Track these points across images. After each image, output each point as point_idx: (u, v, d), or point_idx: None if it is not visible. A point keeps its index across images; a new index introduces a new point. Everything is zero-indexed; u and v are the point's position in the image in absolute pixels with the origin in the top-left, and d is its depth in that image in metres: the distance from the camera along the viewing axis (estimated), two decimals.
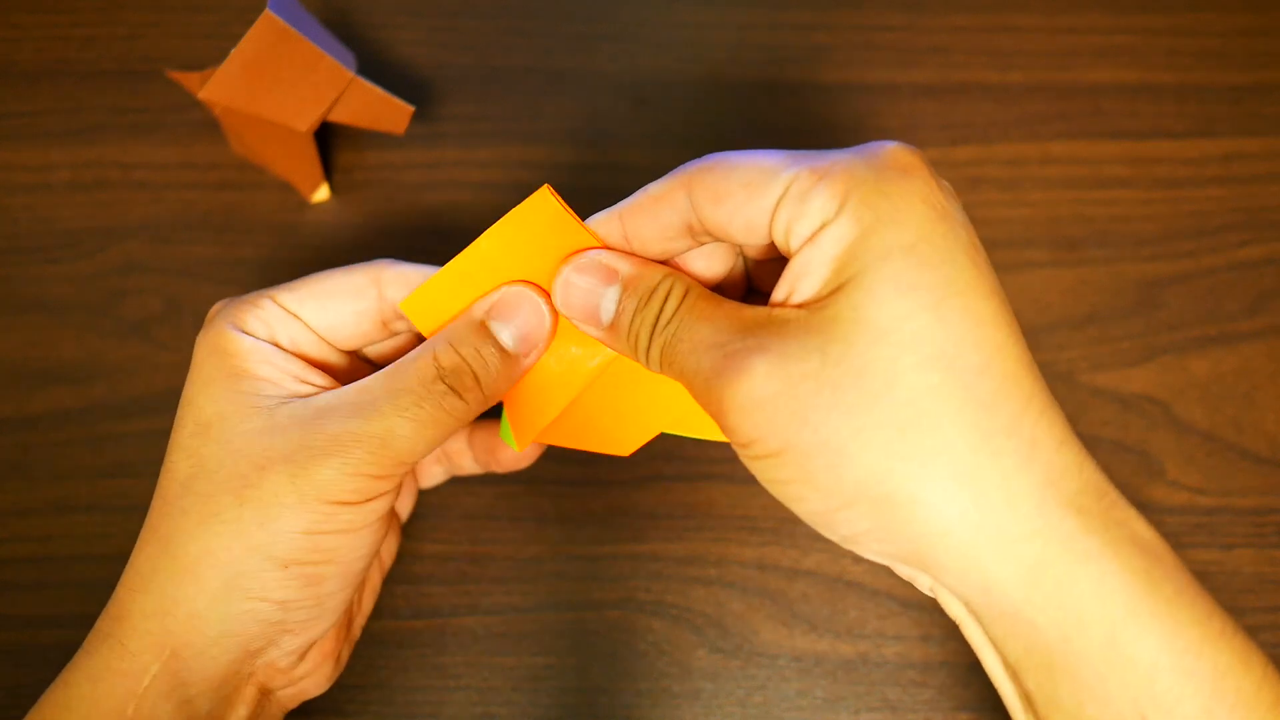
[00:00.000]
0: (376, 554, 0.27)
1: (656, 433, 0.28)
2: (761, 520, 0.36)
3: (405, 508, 0.35)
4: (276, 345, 0.27)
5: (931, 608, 0.35)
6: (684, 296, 0.24)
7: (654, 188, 0.25)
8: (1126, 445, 0.38)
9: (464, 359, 0.26)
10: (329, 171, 0.42)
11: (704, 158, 0.25)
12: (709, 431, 0.28)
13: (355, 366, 0.30)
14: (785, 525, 0.36)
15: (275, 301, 0.28)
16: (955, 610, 0.23)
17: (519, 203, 0.26)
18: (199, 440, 0.26)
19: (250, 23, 0.34)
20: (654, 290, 0.25)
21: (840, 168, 0.22)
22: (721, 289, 0.28)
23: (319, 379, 0.27)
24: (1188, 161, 0.43)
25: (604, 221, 0.26)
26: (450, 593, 0.35)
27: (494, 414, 0.34)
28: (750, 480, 0.37)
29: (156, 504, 0.26)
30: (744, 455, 0.24)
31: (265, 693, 0.27)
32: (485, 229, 0.27)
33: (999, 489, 0.21)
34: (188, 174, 0.42)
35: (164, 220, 0.41)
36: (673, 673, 0.34)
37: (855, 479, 0.21)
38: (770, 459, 0.23)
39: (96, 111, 0.43)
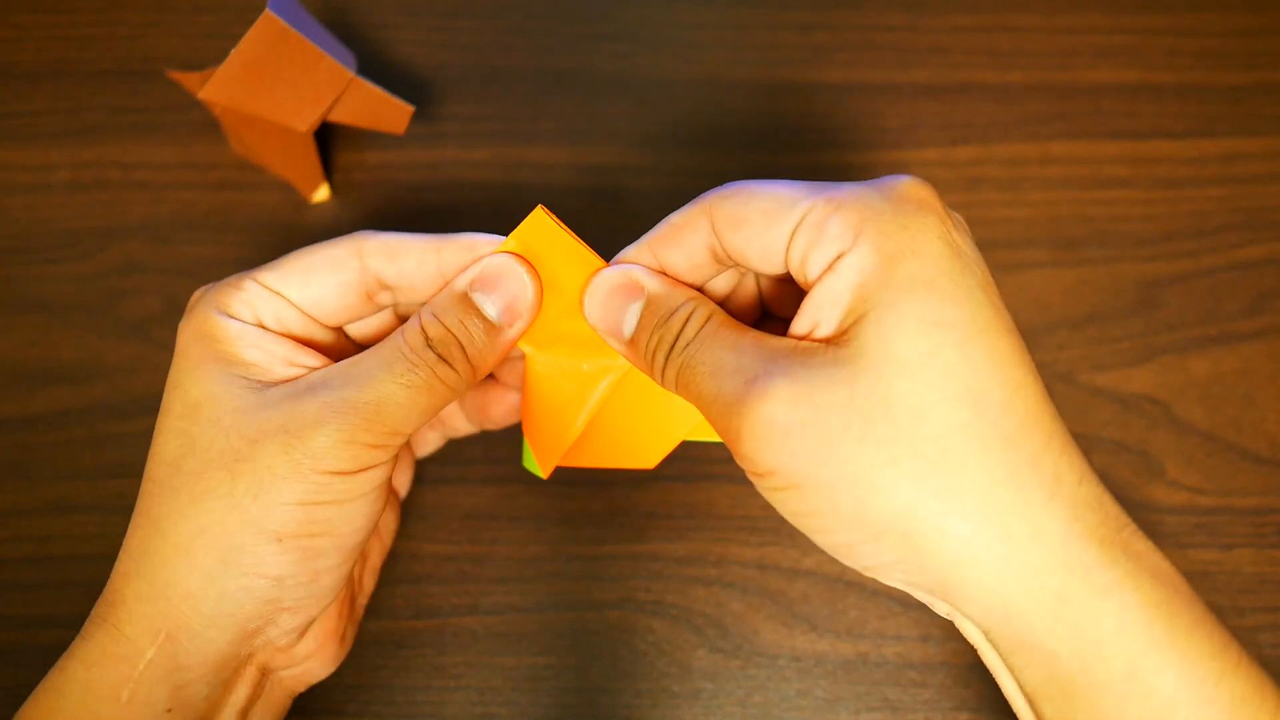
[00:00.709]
0: (374, 528, 0.27)
1: (678, 442, 0.28)
2: (761, 520, 0.36)
3: (403, 483, 0.35)
4: (262, 327, 0.27)
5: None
6: (706, 320, 0.25)
7: (677, 216, 0.26)
8: (1126, 445, 0.38)
9: (449, 329, 0.26)
10: (329, 171, 0.42)
11: (725, 185, 0.25)
12: None
13: (342, 345, 0.30)
14: (785, 525, 0.36)
15: (257, 281, 0.27)
16: (973, 636, 0.23)
17: (517, 205, 0.26)
18: (187, 421, 0.25)
19: (250, 23, 0.34)
20: (675, 311, 0.25)
21: (856, 199, 0.23)
22: (736, 312, 0.28)
23: (308, 359, 0.27)
24: (1188, 161, 0.43)
25: (634, 253, 0.26)
26: (450, 593, 0.35)
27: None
28: (750, 480, 0.37)
29: (146, 486, 0.26)
30: (762, 486, 0.24)
31: (266, 673, 0.27)
32: (479, 230, 0.27)
33: (1025, 523, 0.21)
34: (188, 174, 0.42)
35: (164, 220, 0.41)
36: (673, 673, 0.34)
37: (883, 512, 0.22)
38: (791, 491, 0.23)
39: (96, 111, 0.43)
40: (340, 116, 0.38)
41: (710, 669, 0.34)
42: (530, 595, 0.35)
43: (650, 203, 0.42)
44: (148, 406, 0.38)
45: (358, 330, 0.31)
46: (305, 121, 0.37)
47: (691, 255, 0.26)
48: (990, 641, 0.23)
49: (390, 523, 0.33)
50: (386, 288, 0.28)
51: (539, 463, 0.29)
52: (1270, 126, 0.44)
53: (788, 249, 0.24)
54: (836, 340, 0.23)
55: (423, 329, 0.26)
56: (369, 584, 0.32)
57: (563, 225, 0.27)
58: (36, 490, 0.37)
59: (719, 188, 0.25)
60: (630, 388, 0.28)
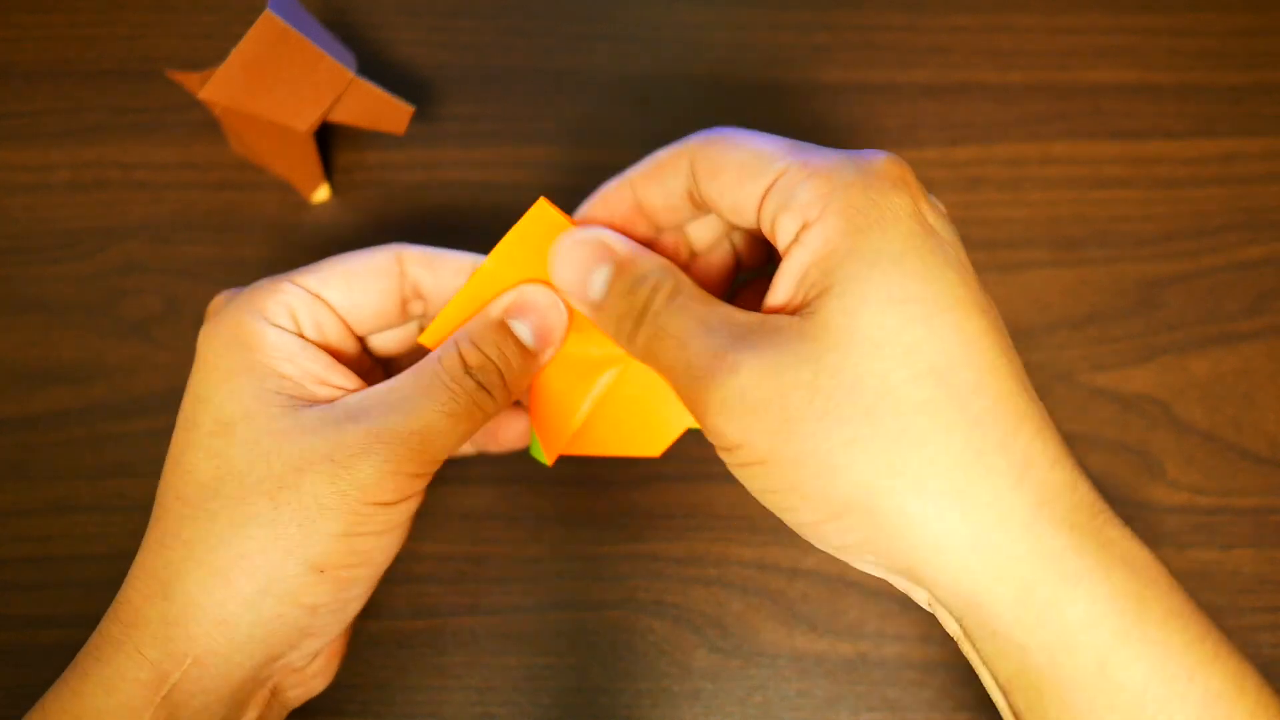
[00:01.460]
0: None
1: (684, 429, 0.28)
2: (761, 520, 0.36)
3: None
4: (300, 335, 0.27)
5: None
6: (674, 290, 0.24)
7: (662, 154, 0.26)
8: (1126, 445, 0.38)
9: (488, 356, 0.26)
10: (329, 171, 0.42)
11: (711, 130, 0.25)
12: None
13: (368, 364, 0.30)
14: (786, 525, 0.36)
15: (296, 284, 0.27)
16: (952, 627, 0.23)
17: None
18: (222, 440, 0.25)
19: (250, 23, 0.34)
20: (644, 277, 0.25)
21: (829, 168, 0.23)
22: (713, 268, 0.28)
23: (341, 379, 0.27)
24: (1188, 161, 0.43)
25: (615, 188, 0.26)
26: (450, 593, 0.35)
27: None
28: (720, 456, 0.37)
29: (174, 505, 0.25)
30: (729, 461, 0.23)
31: (276, 693, 0.27)
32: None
33: (990, 507, 0.21)
34: (188, 174, 0.42)
35: (164, 220, 0.41)
36: (673, 673, 0.34)
37: (845, 490, 0.21)
38: (757, 467, 0.22)
39: (96, 111, 0.43)
40: (340, 116, 0.38)
41: (710, 669, 0.34)
42: (530, 595, 0.35)
43: None
44: (148, 406, 0.38)
45: (379, 343, 0.31)
46: (305, 121, 0.37)
47: (669, 195, 0.26)
48: (964, 631, 0.22)
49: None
50: (421, 297, 0.29)
51: (544, 450, 0.29)
52: (1270, 126, 0.44)
53: (759, 209, 0.24)
54: (801, 313, 0.22)
55: (461, 356, 0.26)
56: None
57: (566, 216, 0.27)
58: (36, 490, 0.37)
59: (704, 131, 0.25)
60: (636, 374, 0.28)
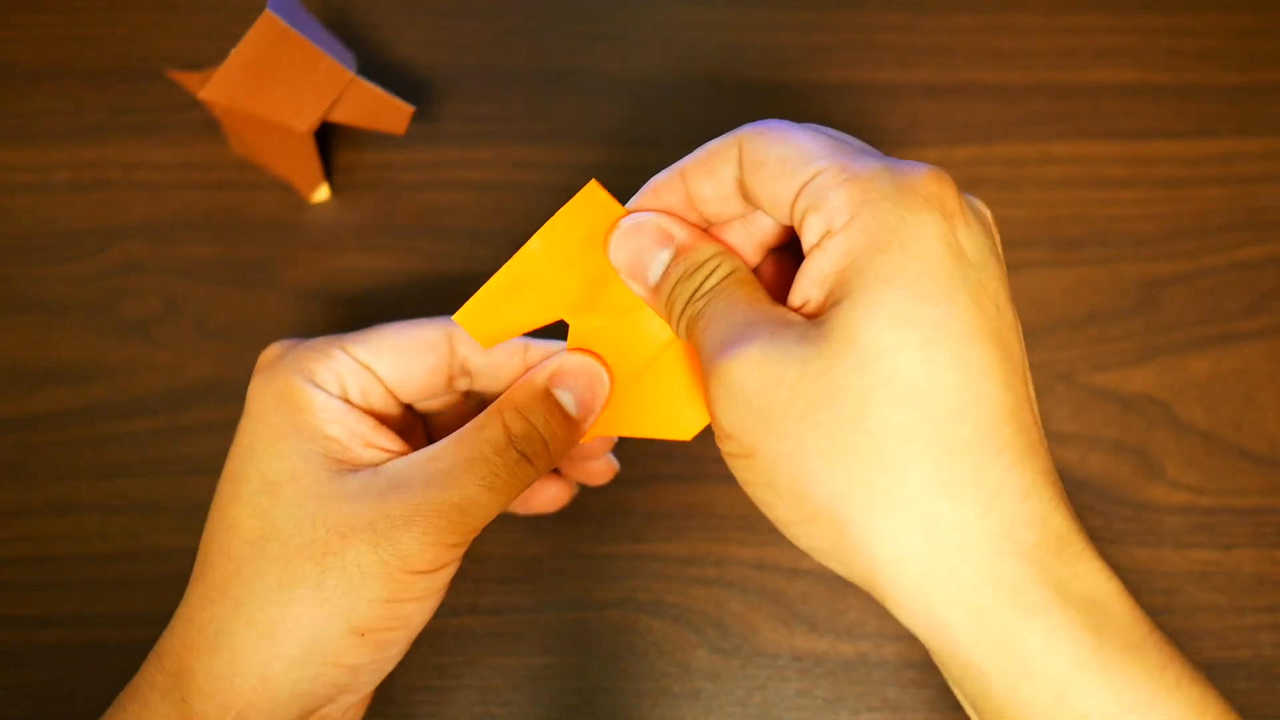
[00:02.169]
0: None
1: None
2: (761, 520, 0.36)
3: None
4: (346, 400, 0.27)
5: None
6: (726, 276, 0.25)
7: (713, 143, 0.25)
8: (1126, 445, 0.38)
9: (534, 426, 0.26)
10: (329, 171, 0.42)
11: (762, 121, 0.25)
12: None
13: (409, 420, 0.30)
14: None
15: (347, 352, 0.28)
16: (925, 640, 0.23)
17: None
18: (268, 500, 0.25)
19: (250, 23, 0.34)
20: (702, 264, 0.25)
21: (866, 176, 0.22)
22: (777, 264, 0.28)
23: (385, 441, 0.27)
24: (1188, 161, 0.43)
25: (666, 179, 0.26)
26: (450, 592, 0.35)
27: None
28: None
29: (218, 560, 0.25)
30: (722, 450, 0.24)
31: None
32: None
33: (953, 534, 0.20)
34: (188, 174, 0.42)
35: (164, 220, 0.41)
36: (673, 673, 0.34)
37: (815, 496, 0.21)
38: (743, 459, 0.23)
39: (96, 111, 0.43)
40: (340, 116, 0.38)
41: (710, 669, 0.34)
42: (530, 595, 0.35)
43: None
44: (148, 406, 0.38)
45: (423, 405, 0.31)
46: (305, 121, 0.37)
47: (720, 185, 0.25)
48: (930, 650, 0.22)
49: None
50: (468, 374, 0.29)
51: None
52: (1270, 126, 0.44)
53: (793, 205, 0.23)
54: (814, 318, 0.22)
55: (506, 427, 0.26)
56: None
57: (616, 200, 0.27)
58: (36, 490, 0.37)
59: (757, 122, 0.25)
60: (671, 355, 0.28)
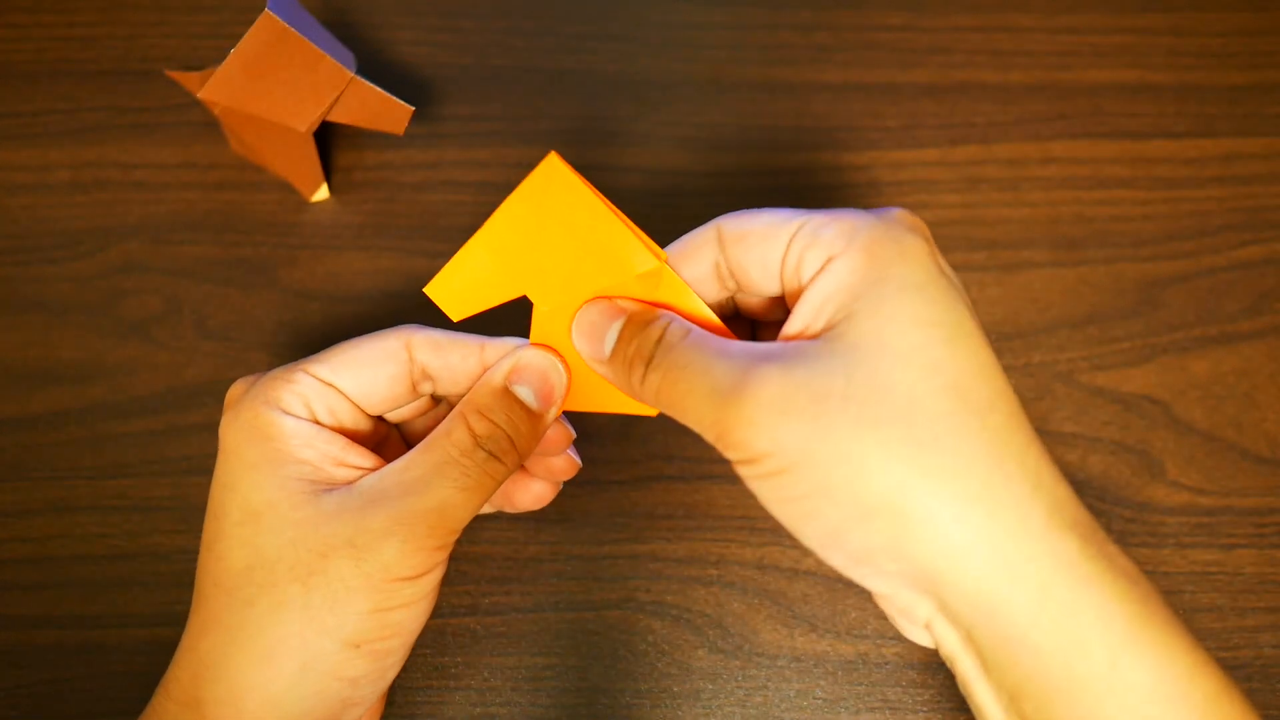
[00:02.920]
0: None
1: None
2: (761, 520, 0.36)
3: None
4: (315, 421, 0.28)
5: None
6: (687, 331, 0.26)
7: (691, 234, 0.27)
8: (1126, 445, 0.38)
9: (498, 424, 0.27)
10: (329, 171, 0.42)
11: (723, 217, 0.27)
12: None
13: (380, 431, 0.31)
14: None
15: (309, 374, 0.28)
16: (950, 643, 0.23)
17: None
18: (250, 529, 0.26)
19: (250, 23, 0.34)
20: (651, 321, 0.26)
21: (851, 215, 0.25)
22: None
23: (357, 459, 0.28)
24: (1188, 161, 0.43)
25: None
26: (450, 593, 0.35)
27: None
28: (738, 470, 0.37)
29: (211, 591, 0.26)
30: (753, 471, 0.24)
31: None
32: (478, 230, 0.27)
33: (1010, 511, 0.22)
34: (188, 174, 0.42)
35: (164, 220, 0.41)
36: (673, 673, 0.34)
37: (876, 491, 0.22)
38: (784, 475, 0.23)
39: (96, 111, 0.43)
40: (340, 116, 0.38)
41: (710, 669, 0.34)
42: (530, 595, 0.35)
43: (650, 203, 0.42)
44: (148, 406, 0.38)
45: (393, 414, 0.31)
46: (305, 121, 0.37)
47: (698, 270, 0.27)
48: (970, 642, 0.23)
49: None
50: (429, 378, 0.30)
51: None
52: (1270, 126, 0.44)
53: (784, 258, 0.25)
54: (827, 335, 0.24)
55: (470, 429, 0.27)
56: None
57: (576, 173, 0.27)
58: (36, 490, 0.37)
59: (715, 221, 0.27)
60: (585, 293, 0.28)
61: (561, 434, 0.32)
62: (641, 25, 0.46)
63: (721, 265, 0.27)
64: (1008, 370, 0.27)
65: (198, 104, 0.43)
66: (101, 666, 0.34)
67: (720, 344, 0.25)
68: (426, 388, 0.30)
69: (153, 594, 0.35)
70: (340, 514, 0.26)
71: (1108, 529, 0.37)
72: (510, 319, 0.30)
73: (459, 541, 0.36)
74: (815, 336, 0.24)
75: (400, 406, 0.30)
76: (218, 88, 0.35)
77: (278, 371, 0.28)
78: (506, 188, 0.42)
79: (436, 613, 0.35)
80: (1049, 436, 0.38)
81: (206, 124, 0.43)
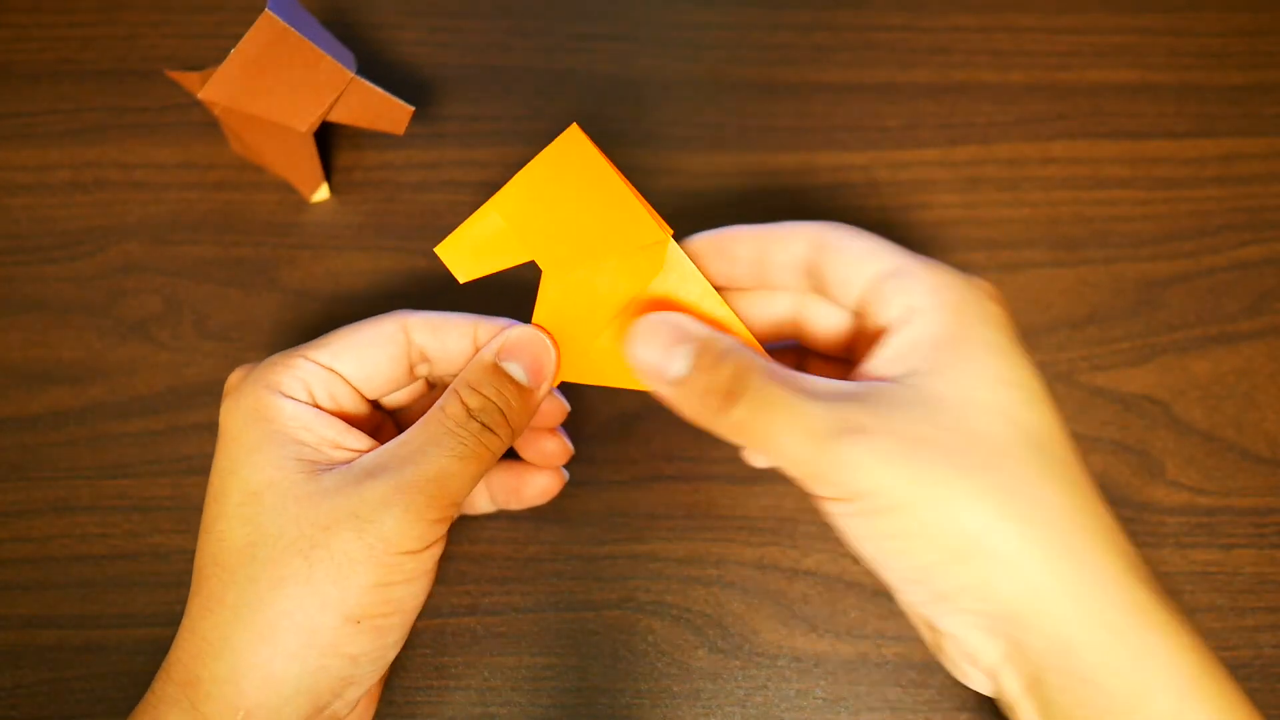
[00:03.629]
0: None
1: None
2: (761, 520, 0.36)
3: None
4: (316, 405, 0.28)
5: None
6: (768, 365, 0.26)
7: (787, 224, 0.29)
8: (1126, 445, 0.38)
9: (488, 398, 0.28)
10: (329, 171, 0.42)
11: (833, 223, 0.28)
12: None
13: (377, 419, 0.32)
14: (785, 525, 0.36)
15: (309, 359, 0.29)
16: (1012, 689, 0.24)
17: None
18: (252, 508, 0.26)
19: (250, 23, 0.34)
20: (727, 352, 0.26)
21: (942, 270, 0.27)
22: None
23: (355, 442, 0.28)
24: (1188, 161, 0.43)
25: (745, 231, 0.29)
26: (450, 593, 0.35)
27: (510, 454, 0.35)
28: (750, 480, 0.37)
29: (214, 571, 0.26)
30: (845, 511, 0.25)
31: None
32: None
33: (1089, 558, 0.23)
34: (188, 174, 0.42)
35: (164, 220, 0.41)
36: (673, 673, 0.34)
37: (970, 533, 0.23)
38: (881, 515, 0.24)
39: (96, 111, 0.43)
40: (340, 116, 0.38)
41: (710, 669, 0.34)
42: (530, 595, 0.35)
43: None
44: (148, 406, 0.38)
45: (389, 399, 0.32)
46: (305, 121, 0.37)
47: (791, 258, 0.29)
48: (1035, 685, 0.24)
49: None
50: (426, 359, 0.30)
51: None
52: (1270, 126, 0.44)
53: (870, 287, 0.27)
54: (902, 382, 0.25)
55: (463, 403, 0.28)
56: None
57: (596, 148, 0.28)
58: (36, 490, 0.37)
59: (827, 222, 0.28)
60: (637, 307, 0.29)
61: (556, 407, 0.33)
62: (641, 25, 0.46)
63: (810, 262, 0.28)
64: None
65: (198, 104, 0.43)
66: (101, 666, 0.34)
67: (803, 381, 0.26)
68: (423, 369, 0.31)
69: (153, 594, 0.35)
70: (341, 488, 0.26)
71: None
72: (511, 292, 0.31)
73: (459, 541, 0.36)
74: (893, 379, 0.25)
75: (399, 389, 0.31)
76: (218, 88, 0.35)
77: (277, 357, 0.29)
78: None
79: (436, 613, 0.35)
80: None
81: (206, 124, 0.43)
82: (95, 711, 0.33)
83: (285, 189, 0.42)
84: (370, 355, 0.29)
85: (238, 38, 0.34)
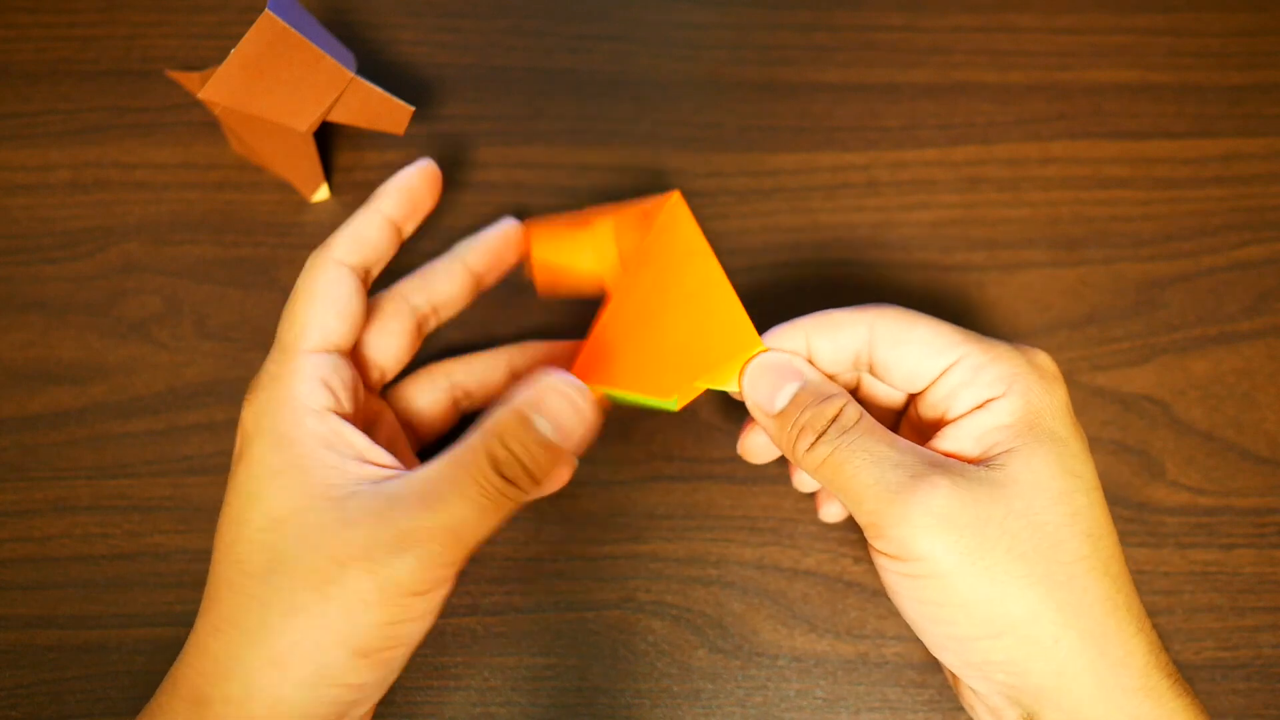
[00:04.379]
0: None
1: (700, 388, 0.30)
2: (761, 520, 0.36)
3: None
4: (338, 410, 0.29)
5: None
6: (860, 416, 0.28)
7: (836, 312, 0.29)
8: (1126, 445, 0.38)
9: (514, 454, 0.27)
10: (329, 171, 0.42)
11: (885, 305, 0.29)
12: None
13: (374, 408, 0.33)
14: (785, 525, 0.36)
15: (309, 352, 0.29)
16: None
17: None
18: (275, 536, 0.26)
19: (250, 23, 0.34)
20: (831, 396, 0.28)
21: (1007, 357, 0.28)
22: None
23: (378, 456, 0.28)
24: (1188, 161, 0.43)
25: (789, 332, 0.29)
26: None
27: None
28: (750, 480, 0.37)
29: (225, 593, 0.27)
30: (897, 568, 0.26)
31: None
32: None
33: (1119, 647, 0.25)
34: (188, 174, 0.42)
35: (164, 220, 0.41)
36: (673, 673, 0.34)
37: (1010, 615, 0.25)
38: (932, 579, 0.26)
39: (96, 111, 0.43)
40: (340, 116, 0.38)
41: (710, 669, 0.34)
42: (530, 595, 0.35)
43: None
44: (148, 406, 0.38)
45: (414, 413, 0.35)
46: (305, 121, 0.37)
47: (839, 350, 0.29)
48: None
49: None
50: (435, 313, 0.34)
51: (580, 367, 0.32)
52: (1270, 126, 0.44)
53: (938, 379, 0.28)
54: (985, 463, 0.27)
55: (490, 453, 0.27)
56: None
57: (693, 219, 0.31)
58: (36, 490, 0.37)
59: (878, 305, 0.29)
60: (676, 303, 0.30)
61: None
62: (641, 25, 0.46)
63: (863, 356, 0.29)
64: None
65: (198, 104, 0.43)
66: (101, 666, 0.34)
67: (891, 437, 0.27)
68: (432, 322, 0.34)
69: (153, 594, 0.35)
70: (362, 520, 0.26)
71: None
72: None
73: None
74: (975, 461, 0.27)
75: (409, 356, 0.34)
76: (218, 88, 0.35)
77: (282, 365, 0.29)
78: (507, 187, 0.42)
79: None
80: None
81: (206, 124, 0.43)
82: (95, 711, 0.33)
83: (285, 189, 0.42)
84: (334, 305, 0.30)
85: (238, 38, 0.34)
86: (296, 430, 0.27)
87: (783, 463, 0.37)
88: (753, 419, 0.30)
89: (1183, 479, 0.37)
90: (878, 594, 0.35)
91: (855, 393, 0.32)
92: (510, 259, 0.35)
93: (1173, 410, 0.38)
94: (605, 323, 0.32)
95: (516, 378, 0.34)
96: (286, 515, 0.26)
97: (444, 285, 0.34)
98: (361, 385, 0.31)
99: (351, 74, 0.36)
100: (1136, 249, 0.41)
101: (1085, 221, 0.42)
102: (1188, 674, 0.31)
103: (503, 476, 0.27)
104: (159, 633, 0.34)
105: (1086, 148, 0.43)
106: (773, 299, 0.40)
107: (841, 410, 0.28)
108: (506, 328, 0.39)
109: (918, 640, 0.35)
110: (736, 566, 0.36)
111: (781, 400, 0.28)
